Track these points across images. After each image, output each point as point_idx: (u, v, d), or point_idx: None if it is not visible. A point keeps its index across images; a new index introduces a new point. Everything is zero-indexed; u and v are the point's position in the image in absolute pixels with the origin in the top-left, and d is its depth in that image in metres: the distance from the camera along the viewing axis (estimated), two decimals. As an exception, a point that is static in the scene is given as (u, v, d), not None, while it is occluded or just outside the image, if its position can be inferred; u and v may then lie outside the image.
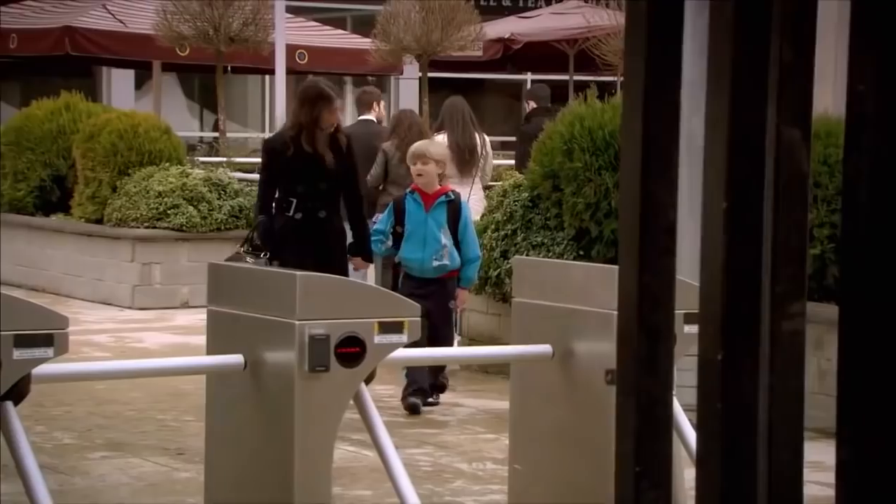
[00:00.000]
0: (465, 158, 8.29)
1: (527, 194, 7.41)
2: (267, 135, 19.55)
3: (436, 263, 6.18)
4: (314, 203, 6.22)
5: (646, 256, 1.68)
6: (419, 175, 6.31)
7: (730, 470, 1.56)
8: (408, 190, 6.47)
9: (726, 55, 1.54)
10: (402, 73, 17.97)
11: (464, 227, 6.25)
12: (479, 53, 16.63)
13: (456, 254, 6.22)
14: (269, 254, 6.22)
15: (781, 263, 1.58)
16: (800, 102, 1.59)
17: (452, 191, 6.46)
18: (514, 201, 7.42)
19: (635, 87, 1.67)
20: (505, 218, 7.42)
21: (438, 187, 6.35)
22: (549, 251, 6.86)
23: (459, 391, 6.53)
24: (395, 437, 5.46)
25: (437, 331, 5.61)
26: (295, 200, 6.23)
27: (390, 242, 6.35)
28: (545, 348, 2.95)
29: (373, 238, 6.39)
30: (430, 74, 16.33)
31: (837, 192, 6.35)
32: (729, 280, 1.56)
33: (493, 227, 7.47)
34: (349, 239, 6.37)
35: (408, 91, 20.43)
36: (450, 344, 5.75)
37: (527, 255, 6.78)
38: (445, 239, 6.19)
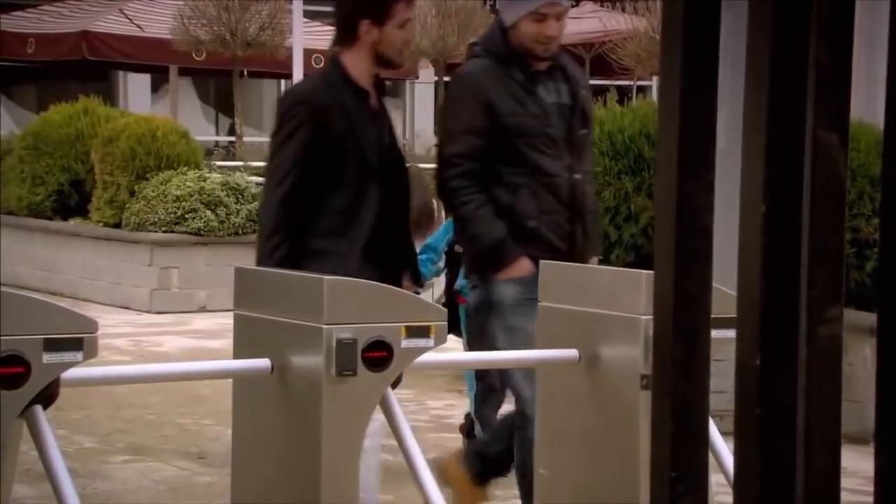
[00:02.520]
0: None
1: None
2: (283, 139, 19.55)
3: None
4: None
5: (682, 260, 1.68)
6: None
7: (768, 474, 1.55)
8: None
9: (765, 58, 1.53)
10: (417, 78, 17.98)
11: None
12: (495, 57, 16.56)
13: None
14: None
15: (818, 267, 1.58)
16: (837, 106, 1.58)
17: None
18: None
19: (672, 89, 1.66)
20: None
21: None
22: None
23: (478, 395, 6.54)
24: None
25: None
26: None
27: (442, 264, 5.16)
28: (571, 353, 2.95)
29: (421, 256, 5.06)
30: (447, 79, 16.31)
31: (859, 196, 6.32)
32: (767, 284, 1.56)
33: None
34: None
35: (423, 95, 20.43)
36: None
37: (545, 259, 6.76)
38: None
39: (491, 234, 3.81)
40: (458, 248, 4.78)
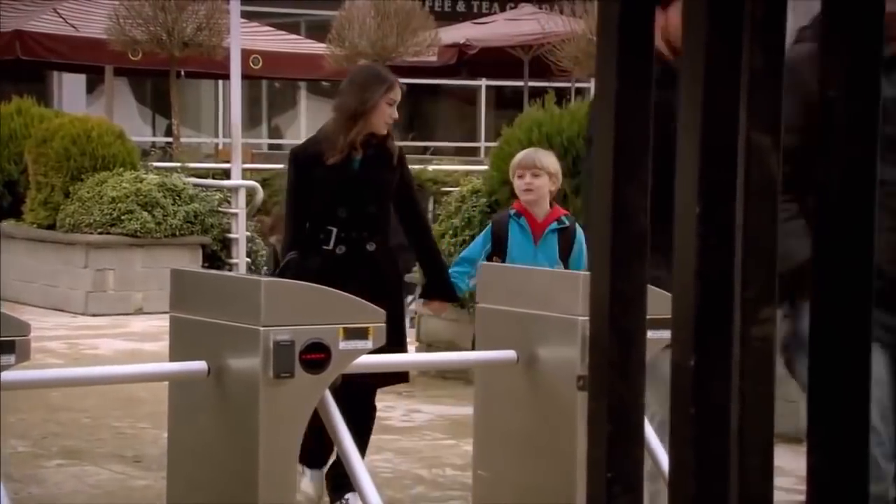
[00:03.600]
0: None
1: (485, 200, 7.43)
2: (221, 140, 19.48)
3: None
4: (360, 232, 4.61)
5: (618, 261, 1.69)
6: (527, 190, 4.78)
7: (703, 474, 1.56)
8: (511, 211, 4.90)
9: (699, 61, 1.55)
10: (357, 78, 17.90)
11: (577, 260, 4.60)
12: (434, 59, 16.67)
13: None
14: None
15: (752, 269, 1.59)
16: (770, 109, 1.60)
17: (566, 215, 4.94)
18: (473, 207, 7.43)
19: (607, 91, 1.67)
20: (463, 223, 7.44)
21: (549, 209, 4.85)
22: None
23: (418, 397, 6.52)
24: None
25: None
26: (335, 230, 4.63)
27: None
28: (509, 354, 2.95)
29: (455, 269, 4.82)
30: (385, 80, 16.23)
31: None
32: (702, 285, 1.57)
33: (451, 232, 7.48)
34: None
35: (362, 96, 20.37)
36: None
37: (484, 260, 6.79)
38: None
39: (797, 253, 3.28)
40: (496, 259, 4.61)
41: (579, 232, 4.80)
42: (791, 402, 5.31)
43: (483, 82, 21.33)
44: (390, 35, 14.53)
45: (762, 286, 1.64)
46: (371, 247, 4.57)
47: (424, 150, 19.68)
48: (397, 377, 4.39)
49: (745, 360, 1.61)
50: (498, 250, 4.69)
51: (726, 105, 1.57)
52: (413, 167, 15.39)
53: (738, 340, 1.63)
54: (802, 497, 1.62)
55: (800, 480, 3.36)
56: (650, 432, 2.67)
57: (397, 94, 4.73)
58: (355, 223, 4.61)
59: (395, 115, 4.73)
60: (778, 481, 2.39)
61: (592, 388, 1.72)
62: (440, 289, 4.56)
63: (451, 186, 9.81)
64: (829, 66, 1.57)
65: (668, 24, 3.47)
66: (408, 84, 19.51)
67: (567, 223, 4.81)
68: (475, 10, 21.51)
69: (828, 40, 1.57)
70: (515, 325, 2.96)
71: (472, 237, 7.61)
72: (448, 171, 13.54)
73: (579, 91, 16.90)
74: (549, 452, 2.84)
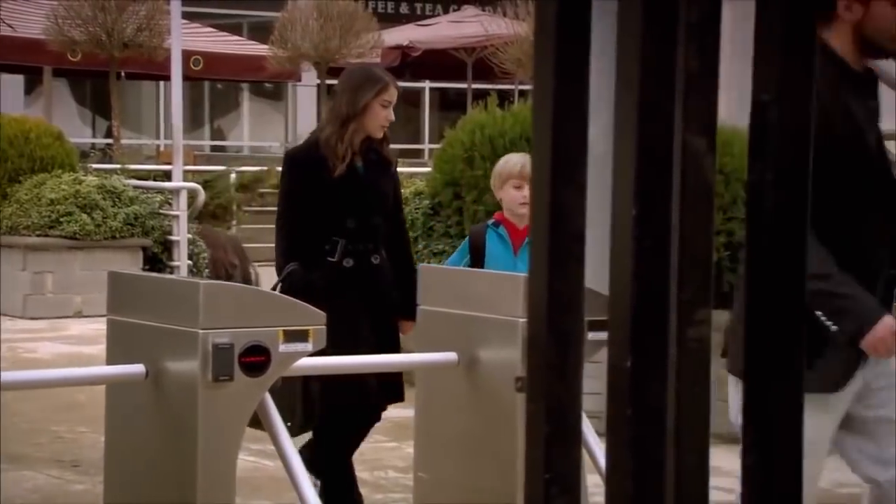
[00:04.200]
0: None
1: (428, 202, 7.44)
2: (162, 141, 19.34)
3: None
4: (366, 244, 4.31)
5: (555, 263, 1.70)
6: (524, 203, 4.44)
7: (639, 475, 1.57)
8: (490, 221, 4.67)
9: (634, 64, 1.56)
10: (299, 80, 17.90)
11: None
12: (378, 61, 16.66)
13: None
14: None
15: (687, 271, 1.61)
16: (705, 112, 1.61)
17: None
18: (416, 209, 7.43)
19: (545, 94, 1.68)
20: (406, 226, 7.44)
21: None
22: (450, 259, 6.89)
23: (360, 399, 6.51)
24: (296, 446, 5.44)
25: None
26: (342, 241, 4.31)
27: None
28: (450, 356, 2.96)
29: None
30: (329, 81, 16.28)
31: (733, 200, 6.46)
32: (638, 287, 1.58)
33: (392, 234, 7.48)
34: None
35: (306, 99, 20.35)
36: None
37: (428, 262, 6.80)
38: None
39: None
40: None
41: None
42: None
43: (427, 84, 21.36)
44: (333, 37, 14.49)
45: (698, 288, 1.65)
46: (376, 259, 4.28)
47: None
48: (397, 396, 4.05)
49: (681, 362, 1.63)
50: (477, 262, 4.34)
51: (661, 108, 1.58)
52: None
53: (673, 342, 1.64)
54: (738, 496, 1.64)
55: (738, 480, 3.38)
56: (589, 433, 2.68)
57: (392, 95, 4.50)
58: (362, 235, 4.33)
59: (391, 116, 4.51)
60: (717, 481, 2.41)
61: (530, 390, 1.73)
62: (414, 309, 3.98)
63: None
64: (763, 71, 1.59)
65: (873, 17, 3.01)
66: (351, 86, 19.43)
67: None
68: (418, 11, 21.53)
69: (761, 45, 1.58)
70: (456, 327, 2.97)
71: (415, 239, 7.64)
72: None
73: (522, 93, 16.97)
74: (489, 454, 2.85)
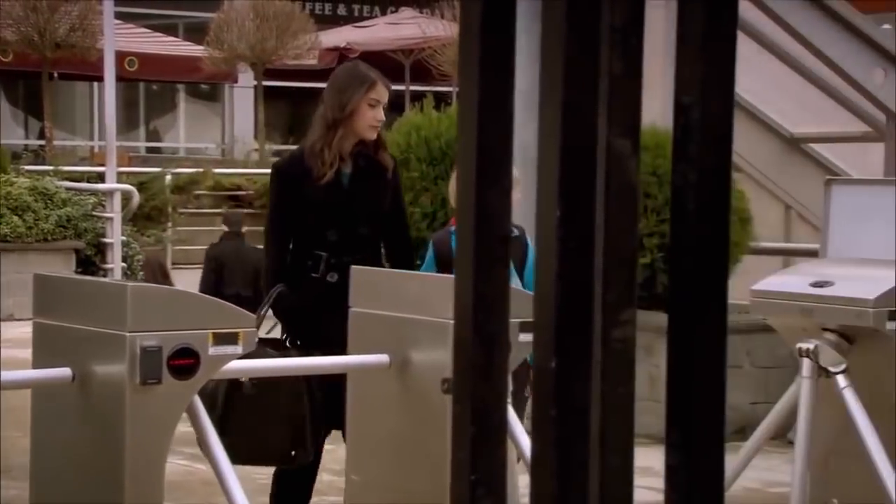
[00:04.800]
0: None
1: (363, 204, 7.41)
2: (96, 143, 19.13)
3: None
4: (353, 256, 3.93)
5: (480, 265, 1.70)
6: None
7: (563, 475, 1.58)
8: (451, 228, 4.34)
9: (558, 66, 1.56)
10: (236, 82, 17.79)
11: (529, 276, 4.13)
12: (315, 62, 16.61)
13: None
14: (288, 336, 4.02)
15: (612, 272, 1.62)
16: (629, 114, 1.62)
17: (516, 225, 4.20)
18: (350, 211, 7.40)
19: (470, 97, 1.69)
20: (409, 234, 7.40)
21: None
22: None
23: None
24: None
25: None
26: (324, 255, 4.04)
27: None
28: (382, 358, 2.95)
29: None
30: (266, 83, 16.22)
31: (667, 202, 6.52)
32: (563, 288, 1.59)
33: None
34: None
35: (243, 100, 20.22)
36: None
37: (363, 264, 6.77)
38: None
39: None
40: None
41: (530, 245, 4.21)
42: (662, 402, 5.39)
43: (365, 86, 21.25)
44: (269, 38, 14.43)
45: (623, 288, 1.66)
46: (333, 278, 3.92)
47: (306, 153, 19.52)
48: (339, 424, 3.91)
49: (606, 362, 1.64)
50: (445, 270, 4.01)
51: (585, 110, 1.59)
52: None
53: (599, 342, 1.65)
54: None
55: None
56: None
57: (381, 94, 4.25)
58: (347, 247, 3.98)
59: (381, 116, 4.24)
60: (648, 481, 2.43)
61: (456, 391, 1.73)
62: None
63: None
64: (684, 74, 1.60)
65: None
66: (288, 88, 19.45)
67: (517, 232, 4.23)
68: (356, 13, 21.47)
69: (682, 48, 1.60)
70: (388, 328, 2.97)
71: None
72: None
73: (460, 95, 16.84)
74: (420, 456, 2.85)
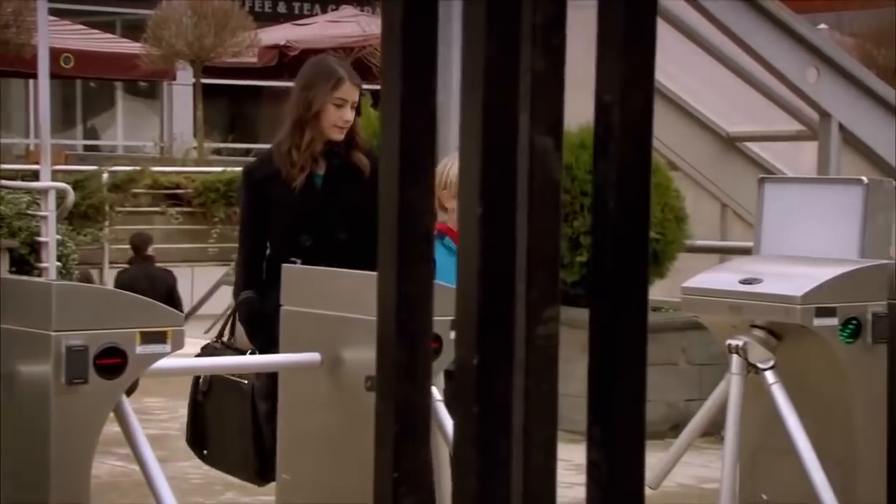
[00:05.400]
0: None
1: (300, 202, 7.37)
2: (32, 141, 18.91)
3: None
4: (329, 263, 3.63)
5: (403, 264, 1.70)
6: None
7: (484, 472, 1.58)
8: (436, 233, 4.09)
9: (479, 65, 1.57)
10: (174, 79, 17.65)
11: None
12: (255, 60, 16.52)
13: None
14: (259, 349, 3.75)
15: (535, 270, 1.62)
16: (552, 112, 1.63)
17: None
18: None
19: (392, 96, 1.68)
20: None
21: None
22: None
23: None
24: (165, 450, 5.36)
25: None
26: (298, 262, 3.74)
27: None
28: (313, 356, 2.94)
29: None
30: (205, 81, 16.12)
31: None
32: (484, 285, 1.59)
33: (266, 235, 7.40)
34: None
35: (182, 98, 20.06)
36: None
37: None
38: None
39: None
40: None
41: None
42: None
43: (305, 84, 21.17)
44: (208, 35, 14.33)
45: (545, 286, 1.67)
46: None
47: (247, 152, 19.49)
48: None
49: (530, 359, 1.64)
50: None
51: (506, 108, 1.59)
52: (233, 169, 15.17)
53: (521, 340, 1.66)
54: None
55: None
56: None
57: (348, 92, 4.07)
58: (322, 253, 3.69)
59: (348, 116, 4.06)
60: (575, 477, 2.44)
61: (379, 389, 1.73)
62: None
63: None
64: (605, 73, 1.61)
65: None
66: (228, 86, 19.30)
67: None
68: (296, 11, 21.38)
69: (602, 47, 1.61)
70: (320, 327, 2.96)
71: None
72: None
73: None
74: (350, 454, 2.84)
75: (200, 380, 3.73)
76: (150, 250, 10.20)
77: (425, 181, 1.70)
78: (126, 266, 9.83)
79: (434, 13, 1.65)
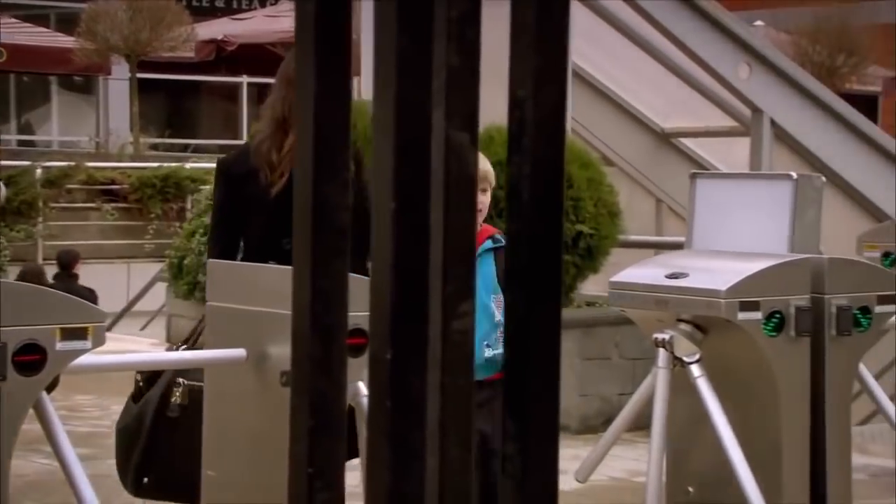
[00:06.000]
0: None
1: (234, 198, 7.33)
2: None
3: (489, 353, 3.73)
4: None
5: (318, 258, 1.70)
6: (479, 211, 3.79)
7: (398, 468, 1.58)
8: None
9: (391, 59, 1.57)
10: (109, 74, 17.48)
11: None
12: (192, 55, 16.40)
13: None
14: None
15: (451, 264, 1.63)
16: (467, 107, 1.63)
17: (498, 232, 3.94)
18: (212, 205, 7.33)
19: (307, 89, 1.68)
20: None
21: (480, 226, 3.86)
22: (259, 255, 6.81)
23: (166, 399, 6.39)
24: (96, 447, 5.31)
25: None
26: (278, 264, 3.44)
27: None
28: (239, 352, 2.93)
29: None
30: (141, 75, 15.97)
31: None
32: (398, 280, 1.59)
33: (201, 231, 7.36)
34: None
35: (118, 93, 19.86)
36: None
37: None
38: (500, 313, 3.65)
39: None
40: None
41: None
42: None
43: (244, 79, 21.08)
44: (143, 29, 14.21)
45: (462, 280, 1.67)
46: None
47: (185, 147, 19.35)
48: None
49: (446, 354, 1.64)
50: None
51: (420, 103, 1.59)
52: (170, 165, 15.05)
53: (437, 334, 1.66)
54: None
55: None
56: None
57: None
58: None
59: None
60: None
61: (294, 384, 1.72)
62: None
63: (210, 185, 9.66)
64: (518, 68, 1.62)
65: None
66: (165, 80, 19.10)
67: (503, 241, 3.75)
68: (234, 5, 21.25)
69: (516, 42, 1.61)
70: (245, 322, 2.94)
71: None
72: (208, 168, 13.35)
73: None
74: (275, 451, 2.83)
75: (174, 396, 3.41)
76: (77, 267, 10.18)
77: (341, 176, 1.69)
78: (52, 282, 9.78)
79: (348, 8, 1.64)
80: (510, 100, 1.70)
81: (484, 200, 3.77)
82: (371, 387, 1.62)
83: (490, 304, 3.72)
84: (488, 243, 3.86)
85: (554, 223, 1.63)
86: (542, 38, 1.60)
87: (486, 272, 3.77)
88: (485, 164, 3.78)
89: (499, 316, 3.65)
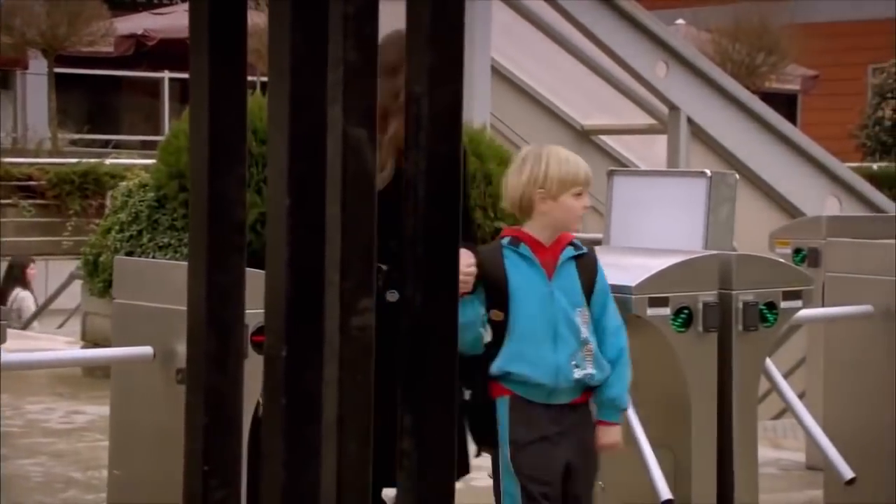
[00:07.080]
0: None
1: (153, 194, 7.27)
2: None
3: (578, 374, 3.33)
4: (379, 275, 3.04)
5: (215, 254, 1.68)
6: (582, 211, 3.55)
7: (293, 464, 1.58)
8: (503, 240, 3.51)
9: (285, 56, 1.56)
10: (26, 68, 17.22)
11: (603, 302, 3.42)
12: (111, 49, 16.21)
13: (601, 355, 3.36)
14: None
15: (350, 260, 1.62)
16: (364, 103, 1.63)
17: (577, 238, 3.59)
18: (140, 201, 7.25)
19: (200, 86, 1.67)
20: (130, 219, 7.25)
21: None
22: (178, 252, 6.75)
23: (81, 398, 6.32)
24: (6, 447, 5.23)
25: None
26: (385, 268, 3.19)
27: (489, 336, 3.38)
28: (146, 350, 2.90)
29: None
30: (59, 70, 15.76)
31: (478, 196, 6.61)
32: (293, 276, 1.58)
33: (117, 228, 7.28)
34: None
35: (36, 87, 19.55)
36: None
37: (154, 256, 6.65)
38: (587, 329, 3.37)
39: None
40: (495, 315, 3.31)
41: (599, 262, 3.47)
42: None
43: (166, 74, 20.87)
44: (61, 24, 14.01)
45: (360, 277, 1.67)
46: (393, 296, 3.07)
47: (106, 143, 19.10)
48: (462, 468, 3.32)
49: (344, 350, 1.64)
50: (497, 299, 3.31)
51: (314, 99, 1.59)
52: (89, 161, 14.82)
53: (335, 330, 1.65)
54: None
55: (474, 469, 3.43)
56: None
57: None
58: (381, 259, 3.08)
59: None
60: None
61: (190, 381, 1.71)
62: None
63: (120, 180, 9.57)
64: (414, 64, 1.62)
65: None
66: (85, 75, 18.83)
67: (585, 249, 3.48)
68: (154, 0, 21.01)
69: (412, 40, 1.61)
70: (153, 320, 2.92)
71: (140, 232, 7.46)
72: (127, 164, 13.19)
73: (264, 84, 16.75)
74: (181, 450, 2.81)
75: None
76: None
77: (237, 171, 1.68)
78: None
79: (243, 7, 1.64)
80: (406, 96, 1.70)
81: (585, 202, 3.51)
82: (266, 384, 1.61)
83: (575, 319, 3.32)
84: (570, 251, 3.44)
85: (451, 219, 1.63)
86: (438, 35, 1.61)
87: (570, 284, 3.37)
88: (586, 168, 3.52)
89: (585, 332, 3.31)
